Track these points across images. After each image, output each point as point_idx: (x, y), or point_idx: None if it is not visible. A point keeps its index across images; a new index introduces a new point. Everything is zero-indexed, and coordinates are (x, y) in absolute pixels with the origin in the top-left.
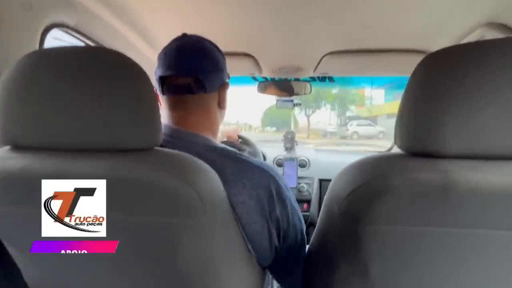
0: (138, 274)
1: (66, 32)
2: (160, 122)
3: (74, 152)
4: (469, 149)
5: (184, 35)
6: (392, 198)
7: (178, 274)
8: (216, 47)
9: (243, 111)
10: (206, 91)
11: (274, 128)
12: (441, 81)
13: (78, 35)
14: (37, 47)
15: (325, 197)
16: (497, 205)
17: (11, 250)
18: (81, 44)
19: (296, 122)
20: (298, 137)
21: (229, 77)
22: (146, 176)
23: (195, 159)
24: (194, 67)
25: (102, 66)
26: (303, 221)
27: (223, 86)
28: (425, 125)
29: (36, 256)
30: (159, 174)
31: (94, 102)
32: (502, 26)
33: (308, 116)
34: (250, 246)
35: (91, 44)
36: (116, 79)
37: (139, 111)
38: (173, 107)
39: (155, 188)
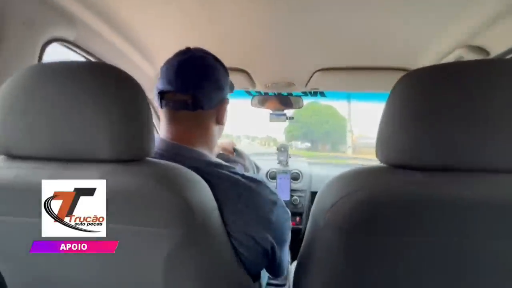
0: (132, 278)
1: (65, 46)
2: (152, 134)
3: (67, 162)
4: (445, 162)
5: (188, 49)
6: (373, 209)
7: (168, 283)
8: (220, 63)
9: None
10: (204, 109)
11: (307, 144)
12: (418, 97)
13: (77, 49)
14: (36, 60)
15: (312, 209)
16: (472, 215)
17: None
18: (80, 58)
19: (350, 134)
20: None
21: (232, 90)
22: (137, 186)
23: (186, 170)
24: (193, 85)
25: (97, 79)
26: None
27: (223, 103)
28: (403, 139)
29: (25, 261)
30: (149, 184)
31: (88, 114)
32: (478, 48)
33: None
34: (242, 255)
35: (90, 58)
36: (110, 92)
37: (132, 123)
38: (171, 121)
39: (146, 198)
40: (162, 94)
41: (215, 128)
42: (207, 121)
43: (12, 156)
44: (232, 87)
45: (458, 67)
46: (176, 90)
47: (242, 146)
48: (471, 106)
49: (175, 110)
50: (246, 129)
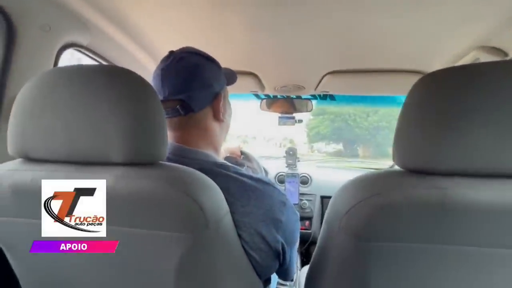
0: (143, 282)
1: (79, 51)
2: (166, 138)
3: (83, 165)
4: (465, 166)
5: (171, 54)
6: (390, 215)
7: (179, 286)
8: (207, 58)
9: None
10: (194, 111)
11: (336, 146)
12: (436, 101)
13: (90, 54)
14: (52, 65)
15: (326, 214)
16: (493, 222)
17: (13, 259)
18: (93, 62)
19: None
20: None
21: (232, 80)
22: (151, 189)
23: (199, 173)
24: (178, 91)
25: (111, 83)
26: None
27: (217, 99)
28: (422, 143)
29: (38, 262)
30: (163, 188)
31: (102, 117)
32: (495, 49)
33: None
34: (254, 259)
35: (102, 62)
36: (124, 95)
37: (145, 127)
38: (170, 128)
39: (159, 201)
40: None
41: (215, 125)
42: (204, 121)
43: (29, 159)
44: (231, 77)
45: (477, 68)
46: (164, 98)
47: (257, 146)
48: (491, 109)
49: (169, 118)
50: (262, 130)
